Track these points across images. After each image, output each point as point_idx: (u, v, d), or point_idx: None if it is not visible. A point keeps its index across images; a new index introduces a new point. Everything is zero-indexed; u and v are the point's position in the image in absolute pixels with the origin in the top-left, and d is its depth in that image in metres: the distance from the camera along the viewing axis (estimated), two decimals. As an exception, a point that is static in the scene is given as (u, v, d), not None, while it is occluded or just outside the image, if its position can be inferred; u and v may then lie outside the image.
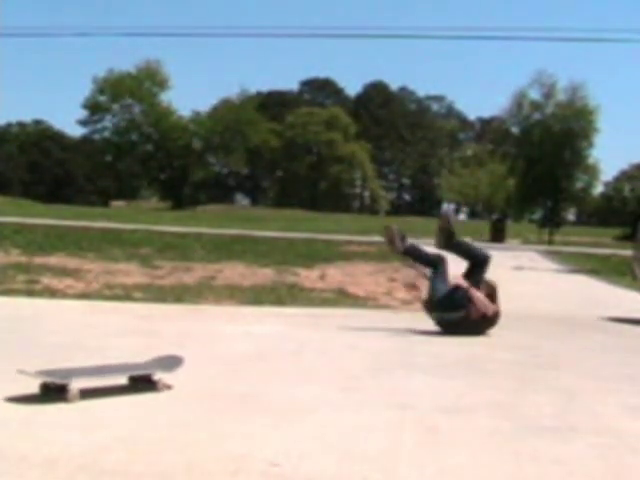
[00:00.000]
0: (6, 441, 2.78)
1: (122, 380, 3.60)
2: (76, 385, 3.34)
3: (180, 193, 71.42)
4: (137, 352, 4.56)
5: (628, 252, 13.45)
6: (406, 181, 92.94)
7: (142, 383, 3.60)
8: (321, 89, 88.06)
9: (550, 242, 36.56)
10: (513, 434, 3.21)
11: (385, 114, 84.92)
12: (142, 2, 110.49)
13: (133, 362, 3.85)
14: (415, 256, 6.83)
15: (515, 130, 43.76)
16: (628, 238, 27.64)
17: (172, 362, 3.81)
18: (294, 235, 23.38)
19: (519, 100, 41.47)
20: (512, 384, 4.28)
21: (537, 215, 44.15)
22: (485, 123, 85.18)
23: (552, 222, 40.67)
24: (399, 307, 8.36)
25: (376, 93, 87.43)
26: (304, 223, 38.12)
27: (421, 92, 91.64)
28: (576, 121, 39.96)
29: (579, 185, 42.84)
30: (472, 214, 78.78)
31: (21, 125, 78.68)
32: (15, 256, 11.42)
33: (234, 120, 71.38)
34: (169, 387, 3.62)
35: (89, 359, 3.75)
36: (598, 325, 7.59)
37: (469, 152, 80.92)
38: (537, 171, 40.00)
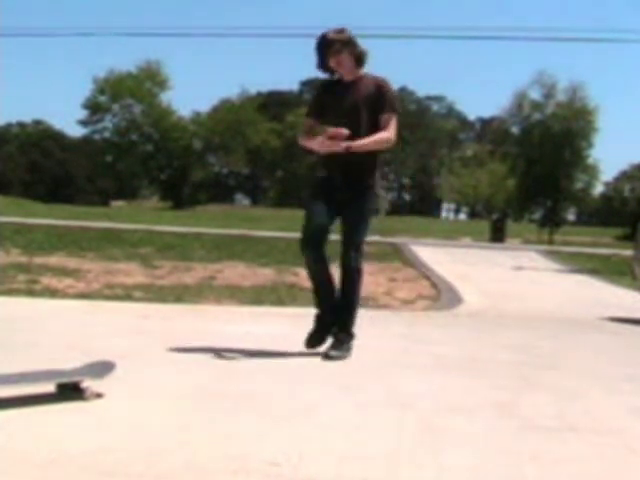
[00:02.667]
0: (6, 441, 2.78)
1: (50, 387, 3.38)
2: None
3: (180, 193, 71.43)
4: (137, 352, 4.56)
5: (629, 252, 13.45)
6: (406, 181, 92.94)
7: (70, 391, 3.34)
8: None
9: (550, 242, 36.58)
10: (513, 434, 3.21)
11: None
12: (142, 2, 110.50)
13: (60, 368, 3.58)
14: None
15: (515, 130, 43.87)
16: (629, 238, 27.65)
17: (102, 368, 3.56)
18: (294, 235, 23.30)
19: (519, 100, 41.57)
20: (512, 384, 4.28)
21: (537, 215, 44.21)
22: (485, 123, 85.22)
23: (552, 222, 40.71)
24: (399, 307, 8.37)
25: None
26: (304, 223, 38.04)
27: (421, 92, 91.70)
28: (576, 121, 40.02)
29: (579, 185, 42.96)
30: (472, 214, 78.80)
31: (21, 125, 78.72)
32: (15, 256, 11.42)
33: (234, 120, 71.44)
34: (99, 395, 3.38)
35: (88, 359, 3.75)
36: (598, 325, 7.59)
37: (469, 152, 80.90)
38: (537, 171, 40.08)
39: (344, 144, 4.49)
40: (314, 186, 4.83)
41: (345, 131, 4.51)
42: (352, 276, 4.73)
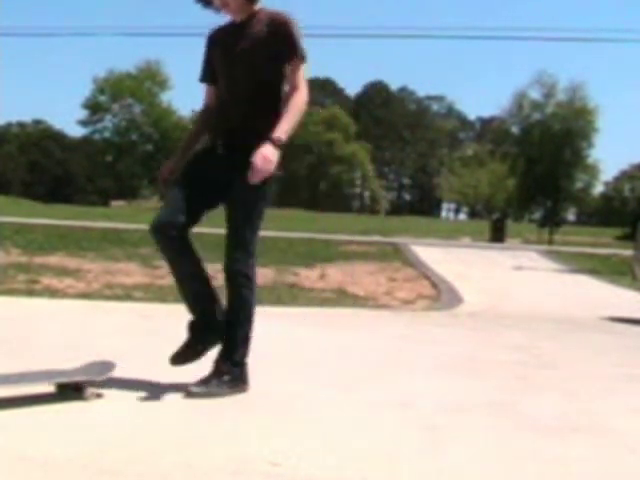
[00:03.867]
0: (6, 441, 2.78)
1: (49, 387, 3.37)
2: None
3: (180, 193, 71.31)
4: (137, 352, 4.56)
5: (629, 252, 13.45)
6: (406, 181, 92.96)
7: (70, 391, 3.33)
8: (321, 89, 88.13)
9: (550, 242, 36.59)
10: (513, 434, 3.21)
11: (385, 114, 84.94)
12: (142, 2, 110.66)
13: (60, 368, 3.56)
14: None
15: (515, 130, 43.91)
16: (629, 238, 27.66)
17: (102, 368, 3.53)
18: (294, 235, 23.37)
19: (519, 100, 41.62)
20: (512, 384, 4.28)
21: (537, 215, 44.25)
22: (485, 123, 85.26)
23: (552, 222, 40.73)
24: (399, 307, 8.37)
25: (376, 93, 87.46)
26: (304, 223, 38.13)
27: (421, 92, 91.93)
28: (576, 121, 40.05)
29: (579, 185, 43.01)
30: (472, 214, 78.82)
31: (21, 125, 78.78)
32: (15, 256, 11.42)
33: (234, 120, 71.47)
34: (99, 395, 3.37)
35: (88, 359, 3.74)
36: (598, 325, 7.59)
37: (469, 152, 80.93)
38: (537, 171, 40.11)
39: (269, 152, 3.51)
40: (187, 162, 3.64)
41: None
42: (236, 283, 3.53)
